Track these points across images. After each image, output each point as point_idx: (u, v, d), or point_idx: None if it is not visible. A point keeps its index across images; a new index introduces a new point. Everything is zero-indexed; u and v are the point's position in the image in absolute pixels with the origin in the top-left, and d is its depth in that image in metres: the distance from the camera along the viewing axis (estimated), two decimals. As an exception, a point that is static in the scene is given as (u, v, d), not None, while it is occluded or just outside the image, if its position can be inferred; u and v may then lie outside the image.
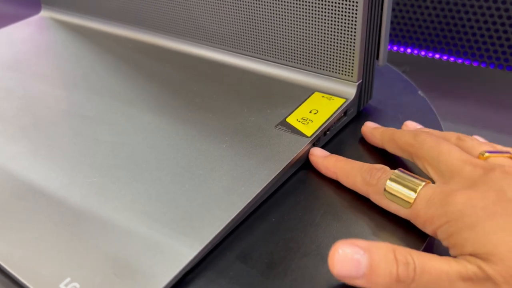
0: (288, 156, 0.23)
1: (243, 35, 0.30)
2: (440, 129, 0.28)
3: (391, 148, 0.24)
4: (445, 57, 0.47)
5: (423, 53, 0.48)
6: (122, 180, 0.22)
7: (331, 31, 0.26)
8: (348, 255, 0.17)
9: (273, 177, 0.22)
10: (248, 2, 0.28)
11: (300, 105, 0.27)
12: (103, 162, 0.23)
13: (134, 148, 0.24)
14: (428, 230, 0.19)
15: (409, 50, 0.49)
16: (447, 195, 0.19)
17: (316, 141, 0.25)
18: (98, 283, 0.17)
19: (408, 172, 0.21)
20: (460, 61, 0.46)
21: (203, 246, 0.19)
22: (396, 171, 0.21)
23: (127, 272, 0.18)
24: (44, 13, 0.43)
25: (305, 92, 0.28)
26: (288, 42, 0.28)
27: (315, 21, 0.26)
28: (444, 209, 0.18)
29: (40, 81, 0.32)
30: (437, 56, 0.47)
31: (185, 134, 0.25)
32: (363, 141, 0.26)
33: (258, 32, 0.29)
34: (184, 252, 0.18)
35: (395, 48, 0.49)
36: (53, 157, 0.24)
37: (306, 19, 0.26)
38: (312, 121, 0.25)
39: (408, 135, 0.23)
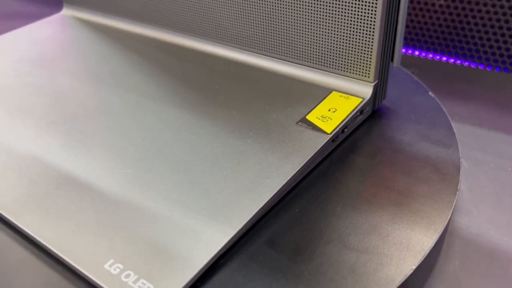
0: (310, 151, 0.24)
1: (264, 37, 0.31)
2: (451, 129, 0.29)
3: None
4: (451, 60, 0.48)
5: (430, 55, 0.50)
6: (155, 172, 0.24)
7: (350, 33, 0.27)
8: None
9: (297, 170, 0.23)
10: (269, 5, 0.30)
11: (319, 103, 0.28)
12: (135, 155, 0.25)
13: (163, 142, 0.26)
14: None
15: (416, 53, 0.51)
16: None
17: (335, 138, 0.26)
18: (139, 264, 0.19)
19: None
20: (466, 63, 0.48)
21: (235, 232, 0.20)
22: None
23: (166, 255, 0.19)
24: (66, 12, 0.44)
25: (323, 92, 0.29)
26: (308, 44, 0.29)
27: (335, 24, 0.28)
28: None
29: (67, 78, 0.33)
30: (444, 58, 0.49)
31: (210, 130, 0.27)
32: (377, 139, 0.28)
33: (279, 34, 0.31)
34: (218, 238, 0.20)
35: (403, 50, 0.51)
36: (87, 150, 0.26)
37: (326, 22, 0.28)
38: (331, 119, 0.27)
39: None
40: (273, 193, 0.22)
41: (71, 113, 0.29)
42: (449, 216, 0.22)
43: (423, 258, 0.20)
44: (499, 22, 0.44)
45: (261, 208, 0.21)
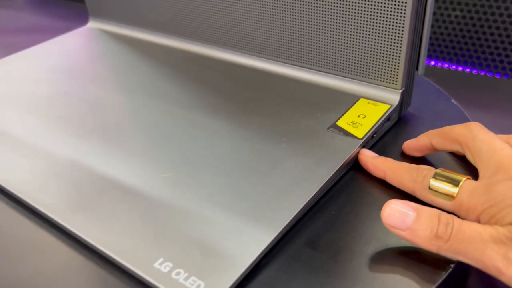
0: (343, 156, 0.25)
1: (293, 47, 0.32)
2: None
3: (439, 143, 0.26)
4: (467, 69, 0.49)
5: (446, 65, 0.51)
6: (194, 176, 0.24)
7: (380, 44, 0.28)
8: (398, 209, 0.20)
9: (332, 174, 0.24)
10: (299, 16, 0.31)
11: (348, 110, 0.29)
12: (173, 160, 0.26)
13: (199, 148, 0.27)
14: (471, 217, 0.21)
15: (432, 63, 0.52)
16: (491, 186, 0.21)
17: (366, 143, 0.27)
18: (188, 263, 0.19)
19: (449, 171, 0.23)
20: (482, 73, 0.48)
21: (277, 232, 0.21)
22: (438, 170, 0.23)
23: (213, 254, 0.20)
24: (92, 24, 0.45)
25: (352, 99, 0.30)
26: (338, 53, 0.30)
27: (366, 35, 0.29)
28: (487, 196, 0.20)
29: (99, 87, 0.34)
30: (460, 68, 0.50)
31: (244, 136, 0.27)
32: (401, 148, 0.29)
33: (308, 44, 0.32)
34: (261, 237, 0.20)
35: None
36: (126, 155, 0.26)
37: (356, 33, 0.29)
38: (361, 125, 0.27)
39: (460, 127, 0.25)
40: (311, 195, 0.23)
41: (105, 120, 0.30)
42: None
43: (461, 258, 0.21)
44: (516, 32, 0.45)
45: (300, 210, 0.22)
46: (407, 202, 0.20)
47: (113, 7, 0.42)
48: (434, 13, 0.49)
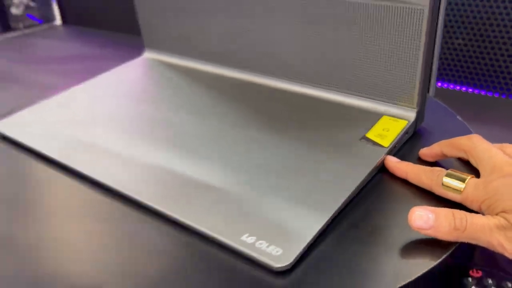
0: (375, 160, 0.32)
1: (331, 75, 0.40)
2: (478, 143, 0.37)
3: (448, 151, 0.33)
4: (470, 90, 0.57)
5: (451, 86, 0.58)
6: (261, 176, 0.32)
7: (399, 73, 0.36)
8: (421, 214, 0.27)
9: (368, 172, 0.31)
10: (333, 49, 0.38)
11: (374, 125, 0.36)
12: (243, 165, 0.33)
13: (258, 156, 0.34)
14: (474, 207, 0.28)
15: (439, 84, 0.59)
16: (488, 182, 0.28)
17: (390, 151, 0.34)
18: (267, 236, 0.26)
19: (458, 171, 0.30)
20: (483, 93, 0.56)
21: (331, 214, 0.28)
22: (449, 170, 0.30)
23: (285, 230, 0.27)
24: (147, 55, 0.53)
25: (376, 116, 0.37)
26: (367, 80, 0.38)
27: (389, 65, 0.36)
28: (485, 190, 0.27)
29: (167, 109, 0.42)
30: (463, 89, 0.57)
31: (294, 147, 0.35)
32: (417, 155, 0.36)
33: (343, 72, 0.39)
34: (319, 218, 0.27)
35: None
36: (206, 161, 0.34)
37: (382, 64, 0.36)
38: (386, 136, 0.35)
39: (464, 138, 0.32)
40: (355, 186, 0.30)
41: (183, 135, 0.37)
42: None
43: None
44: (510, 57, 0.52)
45: (347, 198, 0.29)
46: (426, 207, 0.27)
47: (167, 39, 0.50)
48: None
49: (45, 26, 0.96)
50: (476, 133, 0.38)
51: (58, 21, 0.97)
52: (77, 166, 0.35)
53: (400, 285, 0.24)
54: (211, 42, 0.46)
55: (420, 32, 0.33)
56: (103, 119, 0.41)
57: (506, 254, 0.25)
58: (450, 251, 0.26)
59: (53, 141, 0.38)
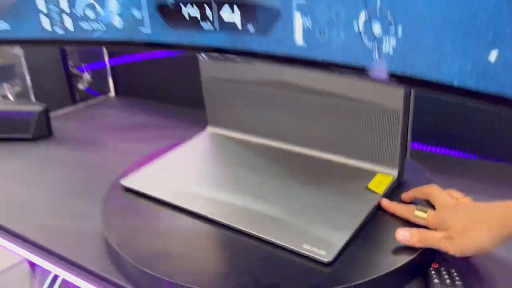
0: (374, 201, 0.54)
1: (341, 146, 0.62)
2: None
3: (418, 195, 0.55)
4: (437, 151, 0.79)
5: (424, 148, 0.80)
6: (302, 211, 0.53)
7: (386, 147, 0.58)
8: (402, 233, 0.48)
9: (372, 207, 0.52)
10: (345, 130, 0.61)
11: (372, 179, 0.58)
12: (289, 205, 0.54)
13: (292, 197, 0.55)
14: (432, 227, 0.49)
15: (416, 146, 0.81)
16: (440, 213, 0.49)
17: (383, 196, 0.56)
18: (316, 244, 0.47)
19: (423, 207, 0.51)
20: (446, 153, 0.78)
21: (353, 231, 0.49)
22: (418, 206, 0.51)
23: (325, 242, 0.48)
24: (210, 129, 0.75)
25: (374, 173, 0.59)
26: (367, 152, 0.60)
27: (380, 143, 0.58)
28: (438, 218, 0.49)
29: (235, 170, 0.63)
30: (433, 150, 0.79)
31: (319, 193, 0.56)
32: (400, 198, 0.57)
33: (351, 146, 0.61)
34: (345, 234, 0.48)
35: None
36: (265, 203, 0.55)
37: (376, 141, 0.59)
38: (380, 187, 0.56)
39: (427, 187, 0.54)
40: (365, 216, 0.51)
41: (249, 188, 0.59)
42: None
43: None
44: (474, 122, 0.75)
45: (361, 222, 0.50)
46: (405, 228, 0.48)
47: (228, 118, 0.72)
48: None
49: (102, 97, 1.19)
50: (437, 183, 0.60)
51: (112, 93, 1.20)
52: (188, 206, 0.56)
53: (390, 270, 0.45)
54: (263, 122, 0.69)
55: (398, 124, 0.56)
56: (196, 176, 0.63)
57: (451, 253, 0.47)
58: (419, 252, 0.47)
59: (167, 190, 0.59)
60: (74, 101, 1.13)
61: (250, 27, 0.45)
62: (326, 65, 0.42)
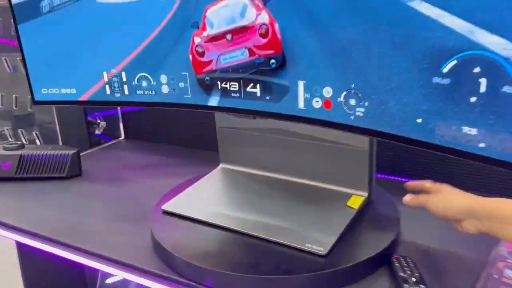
0: (353, 213, 0.76)
1: (325, 176, 0.84)
2: (397, 212, 0.81)
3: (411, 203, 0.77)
4: (398, 179, 1.03)
5: (385, 176, 1.04)
6: (302, 221, 0.74)
7: (359, 177, 0.80)
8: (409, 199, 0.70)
9: (352, 217, 0.74)
10: (329, 165, 0.83)
11: (350, 198, 0.80)
12: (291, 217, 0.75)
13: (291, 213, 0.77)
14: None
15: (379, 176, 1.05)
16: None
17: (359, 211, 0.78)
18: (315, 243, 0.68)
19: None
20: (405, 180, 1.02)
21: (340, 232, 0.70)
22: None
23: (322, 242, 0.69)
24: (222, 165, 0.96)
25: (350, 195, 0.81)
26: (345, 180, 0.82)
27: (354, 174, 0.81)
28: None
29: (248, 196, 0.84)
30: (392, 178, 1.03)
31: (310, 210, 0.78)
32: (372, 213, 0.79)
33: (333, 175, 0.84)
34: (334, 235, 0.70)
35: (374, 175, 1.05)
36: (272, 217, 0.76)
37: (353, 174, 0.81)
38: (355, 204, 0.78)
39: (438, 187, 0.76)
40: (347, 222, 0.73)
41: (258, 206, 0.80)
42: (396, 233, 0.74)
43: (390, 240, 0.71)
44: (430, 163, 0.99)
45: (345, 228, 0.72)
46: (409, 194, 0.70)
47: (238, 156, 0.94)
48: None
49: (115, 141, 1.38)
50: (393, 201, 0.82)
51: (122, 136, 1.40)
52: (216, 222, 0.76)
53: (365, 258, 0.67)
54: (264, 159, 0.90)
55: (366, 159, 0.79)
56: (218, 201, 0.83)
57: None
58: (384, 247, 0.69)
59: (198, 212, 0.79)
60: (91, 145, 1.32)
61: (267, 97, 0.68)
62: (318, 122, 0.64)
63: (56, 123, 1.19)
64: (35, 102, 0.86)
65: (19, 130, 1.28)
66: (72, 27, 0.78)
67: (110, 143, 1.37)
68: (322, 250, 0.67)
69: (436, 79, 0.50)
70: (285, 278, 0.64)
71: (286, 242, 0.70)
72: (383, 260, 0.69)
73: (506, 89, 0.45)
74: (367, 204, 0.82)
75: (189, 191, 0.88)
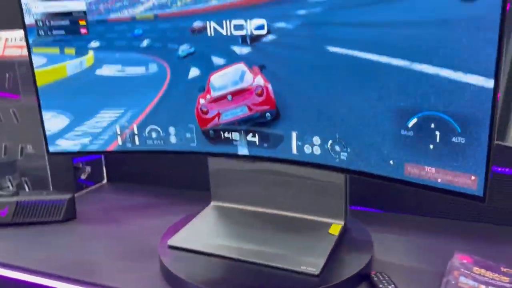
0: (334, 238, 0.90)
1: (309, 208, 0.99)
2: (371, 238, 0.97)
3: None
4: (370, 210, 1.19)
5: (358, 208, 1.21)
6: (288, 247, 0.88)
7: (337, 210, 0.96)
8: None
9: (334, 243, 0.89)
10: (313, 201, 0.98)
11: (330, 226, 0.95)
12: (278, 245, 0.89)
13: (283, 241, 0.90)
14: None
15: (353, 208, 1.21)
16: None
17: (339, 238, 0.93)
18: (310, 266, 0.82)
19: None
20: (378, 212, 1.19)
21: (327, 256, 0.85)
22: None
23: (314, 264, 0.83)
24: (214, 203, 1.09)
25: (330, 224, 0.96)
26: (325, 211, 0.98)
27: (332, 208, 0.96)
28: None
29: (241, 228, 0.97)
30: (364, 209, 1.20)
31: (298, 238, 0.92)
32: (345, 238, 0.94)
33: (317, 208, 0.98)
34: (322, 259, 0.84)
35: (343, 206, 1.21)
36: (265, 246, 0.89)
37: (332, 208, 0.97)
38: (335, 231, 0.93)
39: None
40: (331, 247, 0.87)
41: (252, 239, 0.93)
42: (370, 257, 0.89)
43: (368, 259, 0.86)
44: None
45: (330, 251, 0.86)
46: None
47: (228, 195, 1.06)
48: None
49: (98, 185, 1.46)
50: (366, 228, 0.98)
51: (105, 180, 1.48)
52: (217, 252, 0.88)
53: (349, 276, 0.81)
54: (253, 196, 1.04)
55: (342, 193, 0.95)
56: (215, 234, 0.95)
57: None
58: (366, 263, 0.84)
59: (199, 245, 0.91)
60: (77, 189, 1.39)
61: (265, 144, 0.83)
62: (309, 164, 0.80)
63: (48, 170, 1.26)
64: (50, 153, 0.95)
65: (6, 177, 1.33)
66: (84, 91, 0.89)
67: (94, 187, 1.44)
68: (315, 270, 0.81)
69: (403, 132, 0.67)
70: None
71: (283, 266, 0.83)
72: (364, 276, 0.84)
73: (454, 139, 0.62)
74: (344, 231, 0.97)
75: (189, 227, 0.99)
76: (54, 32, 0.87)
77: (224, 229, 0.99)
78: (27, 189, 1.33)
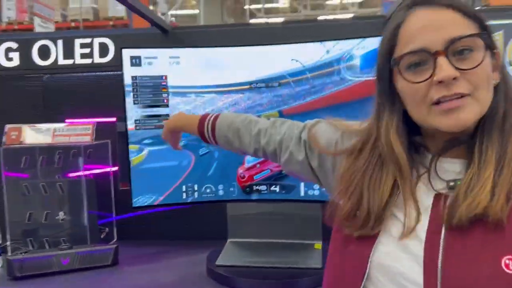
0: (319, 254, 1.45)
1: (296, 233, 1.53)
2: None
3: None
4: (321, 239, 1.77)
5: (315, 239, 1.78)
6: (290, 257, 1.41)
7: (316, 231, 1.52)
8: None
9: (321, 253, 1.44)
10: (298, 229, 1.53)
11: (315, 244, 1.50)
12: (280, 254, 1.41)
13: (282, 253, 1.43)
14: None
15: (311, 239, 1.78)
16: None
17: (321, 251, 1.48)
18: (312, 263, 1.35)
19: None
20: (325, 240, 1.76)
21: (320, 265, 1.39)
22: None
23: (314, 262, 1.36)
24: (230, 240, 1.57)
25: (314, 244, 1.51)
26: (308, 236, 1.53)
27: (313, 230, 1.52)
28: None
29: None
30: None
31: (292, 255, 1.45)
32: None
33: (302, 235, 1.53)
34: (319, 260, 1.38)
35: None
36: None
37: (312, 232, 1.52)
38: (318, 248, 1.49)
39: None
40: (321, 253, 1.42)
41: (265, 255, 1.44)
42: None
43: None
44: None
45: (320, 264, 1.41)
46: None
47: (240, 231, 1.56)
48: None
49: (113, 241, 1.81)
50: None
51: (115, 238, 1.84)
52: (259, 264, 1.37)
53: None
54: (261, 230, 1.55)
55: (318, 221, 1.51)
56: (246, 255, 1.44)
57: None
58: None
59: (240, 261, 1.39)
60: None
61: (282, 191, 1.38)
62: (313, 201, 1.37)
63: (87, 229, 1.63)
64: (133, 208, 1.37)
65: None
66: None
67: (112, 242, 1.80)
68: (318, 264, 1.35)
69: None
70: (303, 280, 1.29)
71: (298, 266, 1.35)
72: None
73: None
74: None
75: (223, 254, 1.47)
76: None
77: (246, 253, 1.48)
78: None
